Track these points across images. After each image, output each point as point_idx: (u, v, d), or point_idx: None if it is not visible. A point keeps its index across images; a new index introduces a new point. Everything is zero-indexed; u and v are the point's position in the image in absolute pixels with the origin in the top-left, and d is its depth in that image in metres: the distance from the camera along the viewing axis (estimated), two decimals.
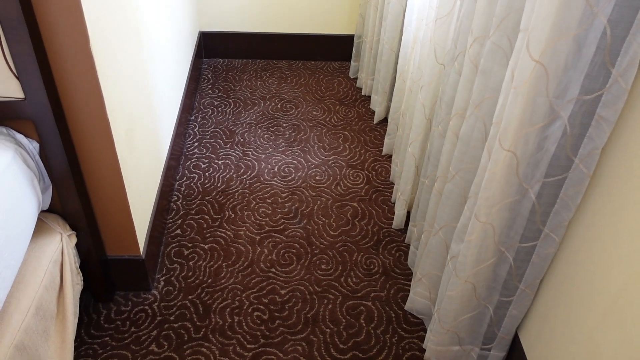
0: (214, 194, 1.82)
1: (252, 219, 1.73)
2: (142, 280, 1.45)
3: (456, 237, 1.13)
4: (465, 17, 1.11)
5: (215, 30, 2.54)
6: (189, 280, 1.52)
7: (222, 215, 1.73)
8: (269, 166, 1.95)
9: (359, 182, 1.90)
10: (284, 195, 1.82)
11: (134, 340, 1.36)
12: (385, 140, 2.01)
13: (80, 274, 1.28)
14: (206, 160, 1.96)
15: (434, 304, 1.35)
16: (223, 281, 1.52)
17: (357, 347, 1.37)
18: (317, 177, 1.91)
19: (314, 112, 2.26)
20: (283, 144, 2.07)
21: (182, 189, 1.83)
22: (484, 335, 1.25)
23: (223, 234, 1.67)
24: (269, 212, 1.76)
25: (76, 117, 1.12)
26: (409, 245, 1.65)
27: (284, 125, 2.17)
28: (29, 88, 1.01)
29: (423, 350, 1.37)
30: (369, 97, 2.37)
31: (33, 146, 1.11)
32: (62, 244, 1.18)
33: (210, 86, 2.40)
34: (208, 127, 2.14)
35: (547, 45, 0.81)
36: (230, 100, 2.31)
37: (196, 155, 1.99)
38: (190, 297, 1.47)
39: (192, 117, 2.19)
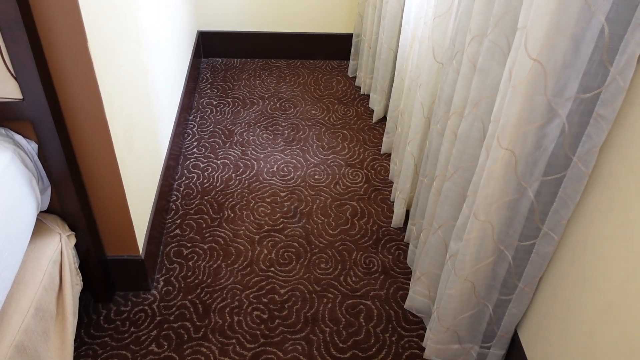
0: (213, 193, 1.82)
1: (252, 218, 1.73)
2: (142, 280, 1.45)
3: (455, 236, 1.14)
4: (463, 16, 1.11)
5: (214, 29, 2.54)
6: (189, 280, 1.52)
7: (221, 214, 1.73)
8: (268, 165, 1.95)
9: (358, 181, 1.90)
10: (283, 194, 1.82)
11: (134, 340, 1.36)
12: (384, 138, 2.01)
13: (80, 274, 1.28)
14: (205, 160, 1.96)
15: (434, 303, 1.35)
16: (222, 281, 1.52)
17: (357, 346, 1.37)
18: (316, 176, 1.91)
19: (313, 111, 2.26)
20: (282, 143, 2.07)
21: (181, 189, 1.83)
22: (483, 333, 1.25)
23: (222, 234, 1.67)
24: (268, 211, 1.76)
25: (74, 117, 1.12)
26: (408, 243, 1.65)
27: (283, 124, 2.17)
28: (27, 88, 1.01)
29: (422, 349, 1.37)
30: (368, 95, 2.37)
31: (31, 147, 1.11)
32: (61, 244, 1.18)
33: (208, 86, 2.40)
34: (207, 127, 2.14)
35: (544, 43, 0.81)
36: (229, 100, 2.30)
37: (195, 154, 1.99)
38: (189, 297, 1.47)
39: (191, 117, 2.19)
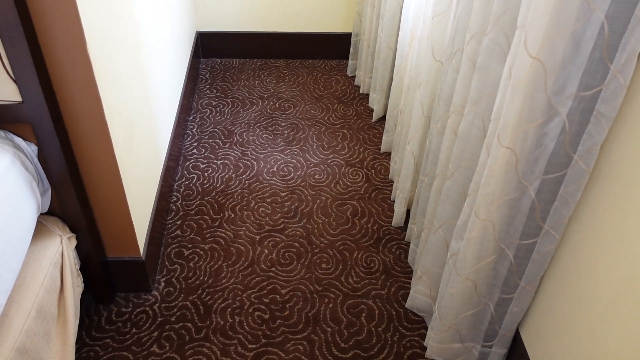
0: (214, 194, 1.82)
1: (252, 218, 1.73)
2: (143, 282, 1.45)
3: (456, 235, 1.13)
4: (462, 15, 1.11)
5: (213, 30, 2.54)
6: (190, 280, 1.52)
7: (221, 215, 1.73)
8: (268, 166, 1.95)
9: (358, 180, 1.90)
10: (283, 194, 1.82)
11: (135, 341, 1.36)
12: (384, 137, 2.01)
13: (81, 276, 1.28)
14: (205, 161, 1.96)
15: (435, 302, 1.35)
16: (223, 281, 1.52)
17: (359, 346, 1.37)
18: (316, 176, 1.91)
19: (313, 111, 2.25)
20: (282, 143, 2.07)
21: (182, 190, 1.83)
22: (485, 332, 1.25)
23: (223, 234, 1.67)
24: (269, 211, 1.75)
25: (74, 119, 1.12)
26: (409, 243, 1.65)
27: (283, 124, 2.17)
28: (26, 91, 1.01)
29: (424, 348, 1.37)
30: (367, 95, 2.37)
31: (31, 149, 1.11)
32: (62, 246, 1.18)
33: (208, 86, 2.40)
34: (206, 128, 2.13)
35: (544, 41, 0.81)
36: (229, 100, 2.30)
37: (195, 155, 1.99)
38: (191, 298, 1.47)
39: (191, 118, 2.19)
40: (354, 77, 2.51)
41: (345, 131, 2.14)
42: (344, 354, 1.35)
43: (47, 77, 1.03)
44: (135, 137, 1.37)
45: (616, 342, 0.88)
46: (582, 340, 0.98)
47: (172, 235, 1.66)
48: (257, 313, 1.44)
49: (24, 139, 1.10)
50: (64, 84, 1.06)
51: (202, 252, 1.60)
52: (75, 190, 1.18)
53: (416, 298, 1.43)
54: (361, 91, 2.39)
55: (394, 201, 1.80)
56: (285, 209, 1.77)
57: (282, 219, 1.73)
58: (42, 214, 1.22)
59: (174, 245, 1.62)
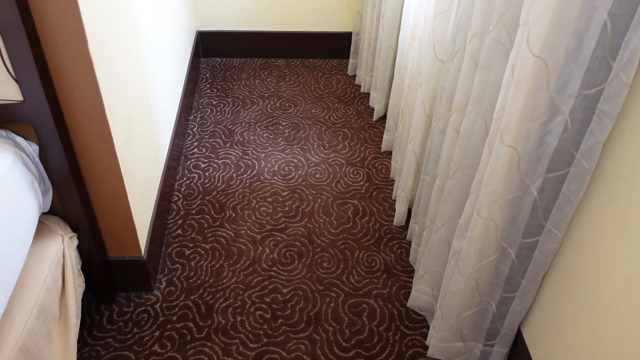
0: (214, 193, 1.82)
1: (253, 218, 1.72)
2: (144, 281, 1.45)
3: (458, 234, 1.13)
4: (464, 13, 1.10)
5: (213, 29, 2.53)
6: (191, 280, 1.52)
7: (222, 214, 1.73)
8: (269, 165, 1.94)
9: (359, 179, 1.90)
10: (284, 193, 1.82)
11: (137, 341, 1.36)
12: (384, 137, 2.01)
13: (82, 275, 1.28)
14: (206, 160, 1.96)
15: (437, 301, 1.35)
16: (225, 281, 1.52)
17: (360, 345, 1.37)
18: (317, 175, 1.90)
19: (313, 110, 2.25)
20: (282, 142, 2.06)
21: (183, 189, 1.83)
22: (486, 331, 1.25)
23: (224, 234, 1.67)
24: (270, 211, 1.75)
25: (75, 118, 1.12)
26: (410, 242, 1.65)
27: (283, 123, 2.17)
28: (27, 91, 1.01)
29: (426, 347, 1.37)
30: (368, 94, 2.37)
31: (33, 148, 1.11)
32: (63, 246, 1.18)
33: (208, 86, 2.39)
34: (207, 127, 2.13)
35: (547, 39, 0.81)
36: (229, 100, 2.30)
37: (196, 155, 1.99)
38: (192, 297, 1.47)
39: (191, 117, 2.18)
40: (354, 76, 2.50)
41: (346, 130, 2.14)
42: (345, 353, 1.35)
43: (48, 76, 1.03)
44: (136, 136, 1.37)
45: (618, 341, 0.88)
46: (584, 339, 0.98)
47: (173, 234, 1.66)
48: (258, 312, 1.44)
49: (25, 138, 1.10)
50: (65, 83, 1.06)
51: (203, 252, 1.60)
52: (76, 189, 1.18)
53: (418, 297, 1.43)
54: (362, 90, 2.39)
55: (395, 200, 1.80)
56: (286, 208, 1.77)
57: (283, 219, 1.73)
58: (43, 214, 1.22)
59: (175, 245, 1.62)
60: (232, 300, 1.46)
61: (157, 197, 1.58)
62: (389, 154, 2.03)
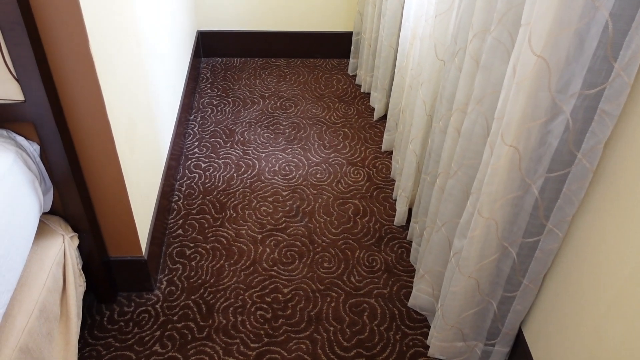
0: (215, 193, 1.82)
1: (254, 217, 1.72)
2: (145, 281, 1.45)
3: (459, 233, 1.13)
4: (465, 13, 1.10)
5: (213, 29, 2.53)
6: (192, 280, 1.52)
7: (223, 214, 1.73)
8: (270, 165, 1.94)
9: (360, 179, 1.90)
10: (285, 193, 1.82)
11: (138, 341, 1.36)
12: (385, 136, 2.01)
13: (83, 275, 1.28)
14: (206, 160, 1.96)
15: (437, 301, 1.35)
16: (225, 280, 1.52)
17: (361, 345, 1.37)
18: (317, 175, 1.90)
19: (314, 110, 2.25)
20: (283, 142, 2.06)
21: (183, 189, 1.83)
22: (487, 330, 1.25)
23: (225, 234, 1.66)
24: (271, 210, 1.75)
25: (76, 118, 1.12)
26: (411, 242, 1.65)
27: (284, 123, 2.17)
28: (28, 90, 1.01)
29: (427, 347, 1.37)
30: (369, 94, 2.37)
31: (34, 148, 1.11)
32: (64, 245, 1.18)
33: (209, 85, 2.39)
34: (208, 127, 2.13)
35: (548, 39, 0.81)
36: (230, 99, 2.30)
37: (196, 154, 1.99)
38: (193, 297, 1.47)
39: (192, 117, 2.18)
40: (355, 76, 2.50)
41: (346, 130, 2.14)
42: (346, 352, 1.35)
43: (49, 76, 1.03)
44: (137, 136, 1.37)
45: (619, 340, 0.88)
46: (584, 338, 0.98)
47: (174, 234, 1.66)
48: (259, 312, 1.44)
49: (26, 138, 1.10)
50: (66, 83, 1.06)
51: (204, 252, 1.60)
52: (77, 189, 1.18)
53: (418, 297, 1.43)
54: (362, 90, 2.39)
55: (395, 200, 1.80)
56: (287, 208, 1.77)
57: (283, 218, 1.73)
58: (44, 214, 1.22)
59: (175, 245, 1.62)
60: (232, 300, 1.46)
61: (158, 197, 1.58)
62: (389, 153, 2.03)
